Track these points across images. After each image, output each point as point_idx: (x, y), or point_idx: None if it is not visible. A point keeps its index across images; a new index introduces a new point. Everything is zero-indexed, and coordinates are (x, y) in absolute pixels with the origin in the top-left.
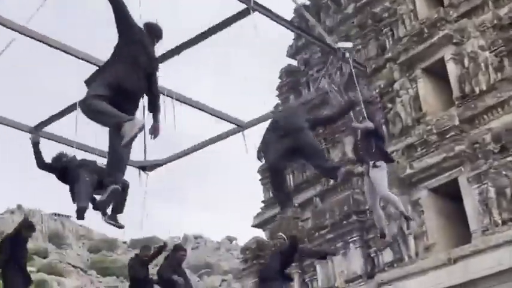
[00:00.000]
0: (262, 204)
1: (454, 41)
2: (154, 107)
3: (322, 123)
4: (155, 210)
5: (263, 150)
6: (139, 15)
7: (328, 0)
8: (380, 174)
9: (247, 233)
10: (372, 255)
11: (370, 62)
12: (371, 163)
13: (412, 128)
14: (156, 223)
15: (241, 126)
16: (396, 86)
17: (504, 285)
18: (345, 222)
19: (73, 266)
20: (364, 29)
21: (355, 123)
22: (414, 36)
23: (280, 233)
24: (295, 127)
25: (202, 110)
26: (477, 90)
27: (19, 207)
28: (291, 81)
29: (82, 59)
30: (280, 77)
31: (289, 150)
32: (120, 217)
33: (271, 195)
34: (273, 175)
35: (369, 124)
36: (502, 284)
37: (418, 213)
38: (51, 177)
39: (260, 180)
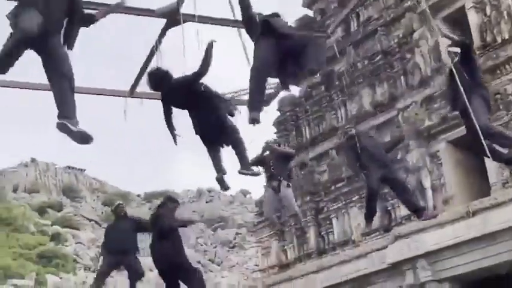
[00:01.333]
0: None
1: None
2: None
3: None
4: (169, 164)
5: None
6: None
7: None
8: (290, 191)
9: (260, 187)
10: (389, 208)
11: (388, 11)
12: (285, 183)
13: (432, 78)
14: (170, 176)
15: None
16: (415, 35)
17: None
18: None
19: (87, 219)
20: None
21: (277, 147)
22: None
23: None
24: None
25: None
26: (499, 39)
27: (33, 160)
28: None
29: None
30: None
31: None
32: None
33: (286, 146)
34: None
35: (289, 150)
36: None
37: (436, 165)
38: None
39: (275, 133)
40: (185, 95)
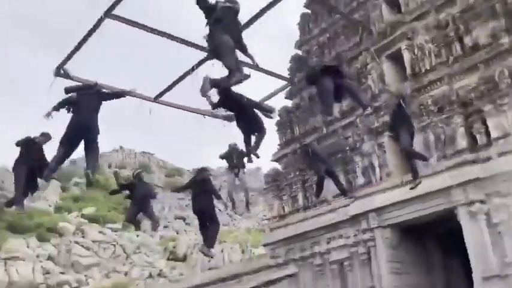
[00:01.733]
0: (279, 146)
1: (408, 36)
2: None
3: None
4: (208, 149)
5: None
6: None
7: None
8: (244, 176)
9: (268, 165)
10: (351, 180)
11: (351, 51)
12: (242, 170)
13: (379, 95)
14: (209, 157)
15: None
16: (369, 67)
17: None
18: (332, 158)
19: (156, 186)
20: (347, 28)
21: (237, 148)
22: (381, 34)
23: None
24: None
25: None
26: (423, 70)
27: (121, 147)
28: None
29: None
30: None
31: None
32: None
33: (284, 139)
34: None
35: (244, 151)
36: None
37: (382, 152)
38: (139, 125)
39: (277, 131)
40: (236, 104)
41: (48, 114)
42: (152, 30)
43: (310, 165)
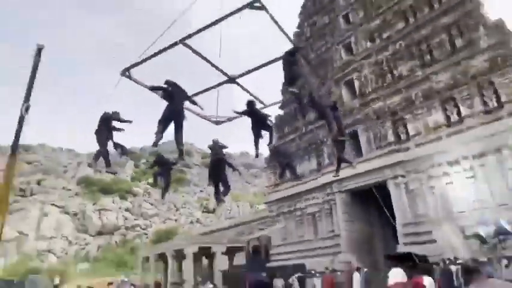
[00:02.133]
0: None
1: (357, 70)
2: None
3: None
4: (230, 141)
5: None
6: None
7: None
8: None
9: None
10: (321, 162)
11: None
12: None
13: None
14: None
15: None
16: (332, 90)
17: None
18: (309, 148)
19: (195, 165)
20: (320, 65)
21: (216, 143)
22: (340, 68)
23: None
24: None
25: None
26: (367, 92)
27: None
28: None
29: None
30: None
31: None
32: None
33: (278, 135)
34: None
35: (224, 145)
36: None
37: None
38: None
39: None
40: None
41: (152, 88)
42: (212, 65)
43: (278, 160)
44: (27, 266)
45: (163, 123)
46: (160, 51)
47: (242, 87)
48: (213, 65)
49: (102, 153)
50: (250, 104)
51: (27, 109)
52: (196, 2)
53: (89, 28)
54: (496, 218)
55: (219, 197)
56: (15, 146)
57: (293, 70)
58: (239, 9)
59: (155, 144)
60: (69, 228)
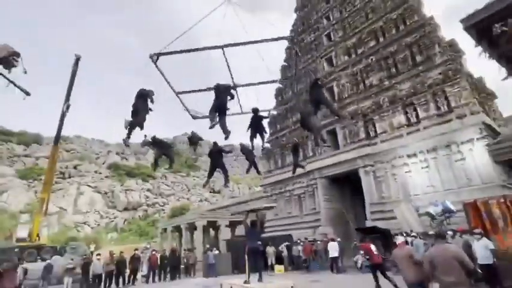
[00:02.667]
0: (269, 135)
1: (336, 79)
2: None
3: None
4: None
5: None
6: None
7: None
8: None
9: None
10: (306, 153)
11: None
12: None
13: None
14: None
15: None
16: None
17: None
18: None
19: (204, 153)
20: (300, 77)
21: (196, 135)
22: (323, 77)
23: None
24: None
25: None
26: (343, 97)
27: (186, 132)
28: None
29: None
30: None
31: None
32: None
33: (271, 131)
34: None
35: (200, 136)
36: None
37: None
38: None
39: (268, 127)
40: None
41: (211, 89)
42: (230, 73)
43: (246, 155)
44: (67, 235)
45: (213, 113)
46: (197, 49)
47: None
48: (230, 73)
49: (132, 123)
50: (255, 110)
51: (68, 107)
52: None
53: (114, 36)
54: (444, 200)
55: (209, 180)
56: (57, 138)
57: (318, 95)
58: (274, 39)
59: (212, 127)
60: (101, 205)
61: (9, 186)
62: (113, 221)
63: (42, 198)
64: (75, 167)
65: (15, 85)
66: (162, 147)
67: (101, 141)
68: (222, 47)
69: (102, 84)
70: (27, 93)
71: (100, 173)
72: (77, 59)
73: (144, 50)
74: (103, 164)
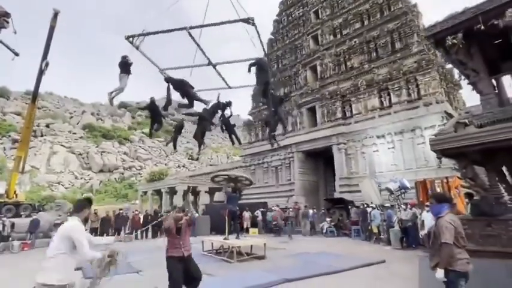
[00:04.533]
0: (251, 114)
1: (320, 58)
2: None
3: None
4: None
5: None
6: None
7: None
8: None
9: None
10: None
11: (291, 64)
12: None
13: (303, 87)
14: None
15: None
16: (300, 72)
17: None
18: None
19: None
20: (291, 50)
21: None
22: (307, 55)
23: None
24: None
25: None
26: (326, 76)
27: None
28: None
29: None
30: None
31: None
32: None
33: (250, 112)
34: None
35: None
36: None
37: (301, 116)
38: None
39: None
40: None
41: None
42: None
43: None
44: (41, 195)
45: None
46: (167, 31)
47: (218, 72)
48: (202, 51)
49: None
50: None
51: (47, 65)
52: None
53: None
54: (402, 178)
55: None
56: (35, 96)
57: (264, 77)
58: (235, 21)
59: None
60: (75, 165)
61: None
62: (88, 182)
63: (19, 157)
64: (47, 126)
65: (4, 45)
66: (156, 114)
67: (75, 99)
68: (186, 29)
69: (79, 42)
70: (16, 54)
71: (74, 133)
72: (55, 14)
73: (132, 12)
74: (77, 124)
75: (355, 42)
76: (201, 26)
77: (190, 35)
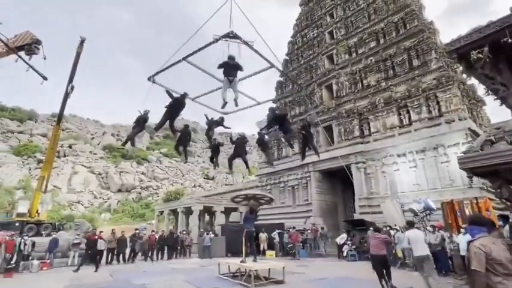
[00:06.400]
0: None
1: (336, 77)
2: None
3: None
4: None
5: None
6: None
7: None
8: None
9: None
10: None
11: (306, 83)
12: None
13: (319, 106)
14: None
15: None
16: (315, 91)
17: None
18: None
19: (200, 139)
20: (307, 70)
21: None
22: (323, 74)
23: None
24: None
25: None
26: (342, 95)
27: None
28: None
29: None
30: None
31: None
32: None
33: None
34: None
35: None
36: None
37: (318, 135)
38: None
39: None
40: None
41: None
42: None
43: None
44: (61, 213)
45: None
46: (175, 63)
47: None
48: (210, 74)
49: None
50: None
51: (72, 88)
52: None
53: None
54: (426, 198)
55: (215, 166)
56: (60, 118)
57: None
58: (217, 40)
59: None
60: (95, 185)
61: (3, 162)
62: (106, 201)
63: (42, 176)
64: (70, 146)
65: (34, 70)
66: (184, 139)
67: (96, 121)
68: (180, 61)
69: (102, 66)
70: (45, 78)
71: (95, 154)
72: (82, 41)
73: (155, 37)
74: (98, 144)
75: (371, 60)
76: (194, 52)
77: (190, 63)
